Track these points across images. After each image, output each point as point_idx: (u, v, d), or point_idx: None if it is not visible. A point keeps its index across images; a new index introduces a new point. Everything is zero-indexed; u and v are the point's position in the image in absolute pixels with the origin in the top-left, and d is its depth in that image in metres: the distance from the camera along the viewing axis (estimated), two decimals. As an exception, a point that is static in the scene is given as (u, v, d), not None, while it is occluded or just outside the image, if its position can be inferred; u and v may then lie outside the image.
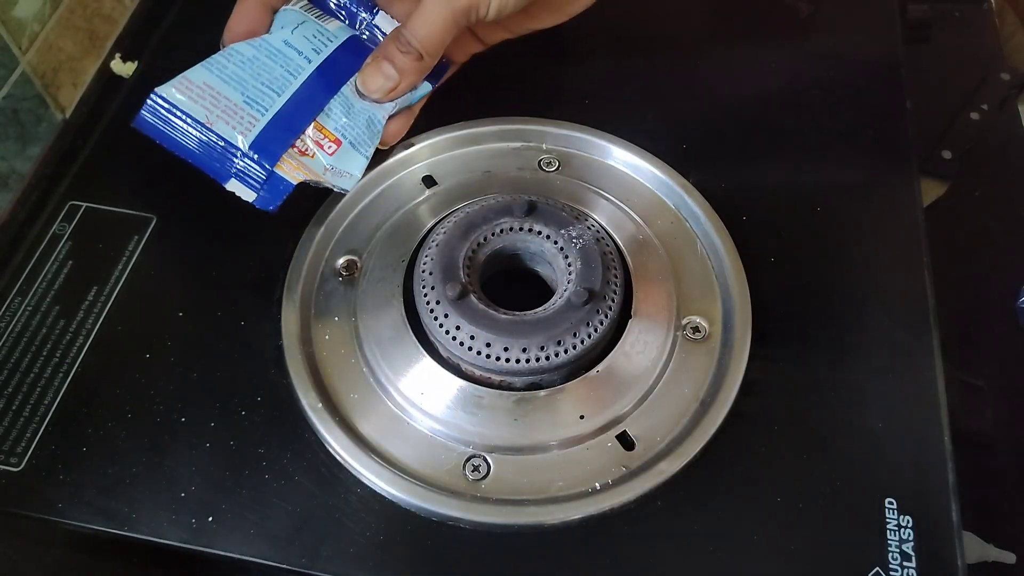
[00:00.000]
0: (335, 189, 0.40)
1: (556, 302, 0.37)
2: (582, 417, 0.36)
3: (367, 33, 0.42)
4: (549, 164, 0.45)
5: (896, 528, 0.33)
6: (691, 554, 0.33)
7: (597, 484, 0.34)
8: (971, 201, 0.49)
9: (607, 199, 0.43)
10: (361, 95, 0.40)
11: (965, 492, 0.34)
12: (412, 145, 0.44)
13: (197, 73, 0.37)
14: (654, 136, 0.44)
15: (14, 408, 0.36)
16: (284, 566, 0.33)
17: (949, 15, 0.57)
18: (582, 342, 0.36)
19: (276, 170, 0.37)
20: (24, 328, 0.39)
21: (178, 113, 0.36)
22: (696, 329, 0.39)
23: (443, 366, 0.37)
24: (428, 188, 0.44)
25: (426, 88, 0.42)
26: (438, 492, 0.34)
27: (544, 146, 0.45)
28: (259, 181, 0.37)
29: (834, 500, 0.34)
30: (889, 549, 0.33)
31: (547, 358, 0.35)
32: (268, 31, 0.40)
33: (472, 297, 0.36)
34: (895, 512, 0.33)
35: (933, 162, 0.48)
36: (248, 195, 0.37)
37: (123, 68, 0.51)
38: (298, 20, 0.40)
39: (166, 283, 0.41)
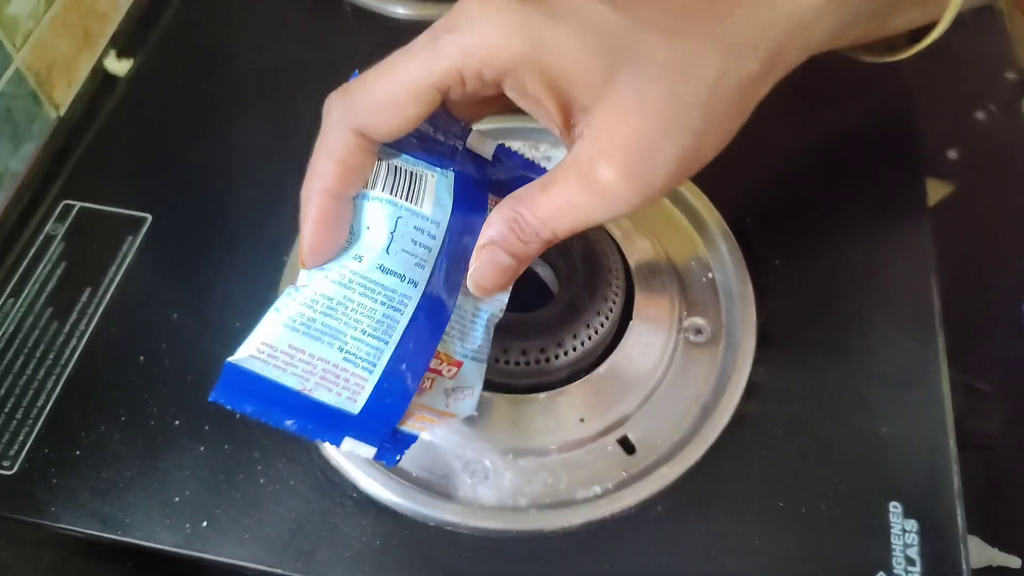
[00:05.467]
0: (455, 416, 0.31)
1: (557, 304, 0.36)
2: (582, 420, 0.35)
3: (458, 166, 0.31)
4: (549, 163, 0.44)
5: (901, 532, 0.33)
6: (693, 560, 0.33)
7: (598, 489, 0.34)
8: (977, 202, 0.49)
9: (608, 199, 0.42)
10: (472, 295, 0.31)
11: (970, 496, 0.34)
12: (410, 144, 0.44)
13: (276, 333, 0.27)
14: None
15: (7, 411, 0.36)
16: (279, 571, 0.32)
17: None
18: (582, 344, 0.35)
19: (400, 427, 0.30)
20: (17, 330, 0.38)
21: (264, 386, 0.28)
22: (698, 331, 0.38)
23: (441, 368, 0.36)
24: (427, 188, 0.43)
25: None
26: (435, 497, 0.34)
27: (543, 146, 0.45)
28: (380, 438, 0.30)
29: (838, 504, 0.33)
30: (894, 553, 0.32)
31: (547, 360, 0.35)
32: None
33: (471, 299, 0.36)
34: (900, 516, 0.33)
35: (939, 163, 0.48)
36: (368, 452, 0.29)
37: (118, 66, 0.50)
38: (390, 216, 0.28)
39: (160, 284, 0.40)
